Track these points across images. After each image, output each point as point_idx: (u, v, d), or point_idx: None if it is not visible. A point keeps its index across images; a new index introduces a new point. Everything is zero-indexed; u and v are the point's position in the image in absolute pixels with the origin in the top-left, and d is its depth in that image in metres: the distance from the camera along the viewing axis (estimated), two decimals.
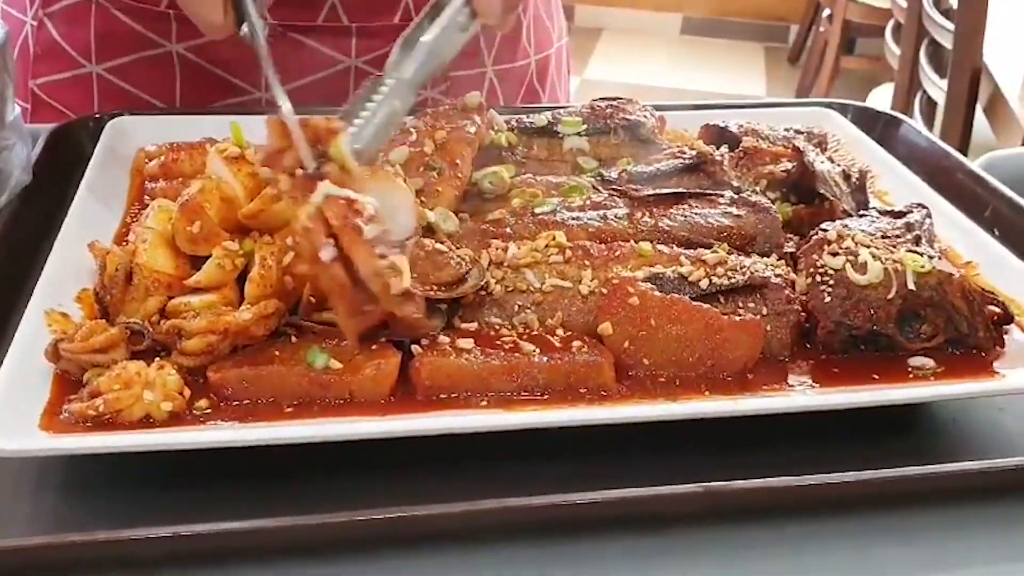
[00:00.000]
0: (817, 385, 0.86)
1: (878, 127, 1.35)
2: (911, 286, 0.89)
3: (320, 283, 0.81)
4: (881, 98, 3.60)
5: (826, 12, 5.57)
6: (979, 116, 2.76)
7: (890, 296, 0.88)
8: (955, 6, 2.71)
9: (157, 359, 0.80)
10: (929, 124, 2.98)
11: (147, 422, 0.76)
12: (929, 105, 3.04)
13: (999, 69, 2.67)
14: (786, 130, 1.20)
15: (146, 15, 1.34)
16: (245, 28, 0.96)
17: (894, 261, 0.90)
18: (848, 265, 0.89)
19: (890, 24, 3.72)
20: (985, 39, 2.68)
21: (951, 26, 2.76)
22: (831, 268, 0.90)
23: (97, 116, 1.23)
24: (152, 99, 1.38)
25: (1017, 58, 2.60)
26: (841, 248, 0.91)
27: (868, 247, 0.91)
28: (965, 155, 1.48)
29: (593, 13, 6.67)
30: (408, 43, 0.96)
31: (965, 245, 1.07)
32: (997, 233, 1.11)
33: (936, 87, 2.89)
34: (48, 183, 1.11)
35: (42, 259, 0.94)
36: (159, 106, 1.36)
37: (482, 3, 0.95)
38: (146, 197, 1.06)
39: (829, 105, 1.38)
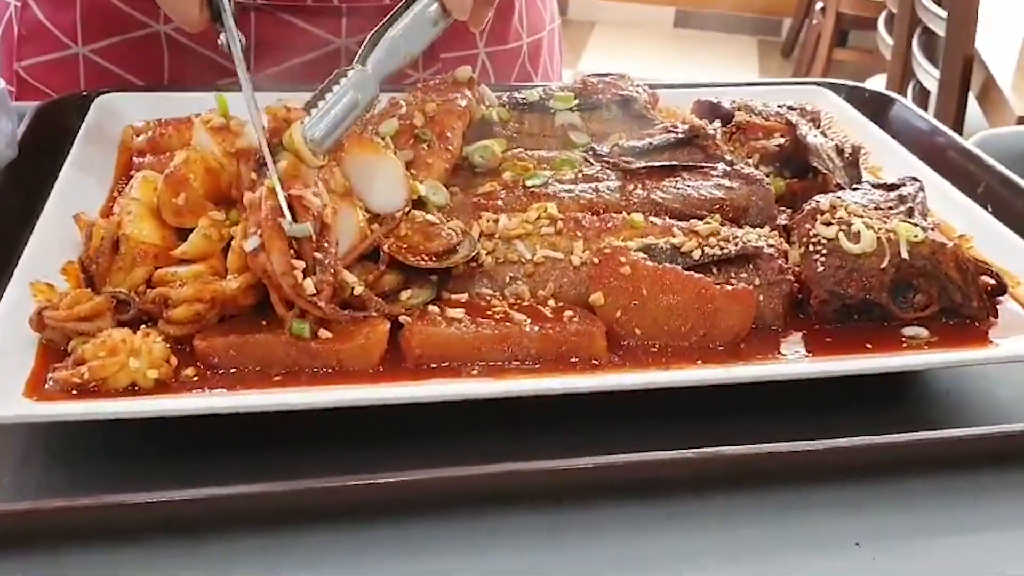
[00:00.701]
0: (810, 355, 0.86)
1: (871, 106, 1.35)
2: (904, 255, 0.88)
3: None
4: (875, 87, 3.59)
5: (819, 5, 5.58)
6: (971, 103, 2.76)
7: (883, 265, 0.88)
8: None
9: (143, 327, 0.79)
10: (923, 111, 2.97)
11: (133, 390, 0.75)
12: (922, 93, 3.04)
13: (991, 56, 2.67)
14: (779, 106, 1.19)
15: None
16: (223, 38, 0.95)
17: (887, 231, 0.89)
18: (841, 234, 0.89)
19: (883, 15, 3.72)
20: (977, 26, 2.68)
21: (944, 14, 2.75)
22: (824, 237, 0.89)
23: (84, 93, 1.22)
24: (139, 81, 1.37)
25: (1009, 45, 2.60)
26: (834, 218, 0.91)
27: (861, 217, 0.90)
28: None
29: (586, 6, 6.66)
30: (376, 37, 0.96)
31: (959, 219, 1.06)
32: (991, 209, 1.11)
33: (929, 75, 2.89)
34: (33, 159, 1.10)
35: (26, 233, 0.93)
36: (142, 86, 1.35)
37: (453, 1, 0.95)
38: (133, 172, 1.05)
39: (823, 84, 1.38)
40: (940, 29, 2.78)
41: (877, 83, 3.65)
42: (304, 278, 0.79)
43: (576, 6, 6.68)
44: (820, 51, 5.40)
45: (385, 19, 0.97)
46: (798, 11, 6.17)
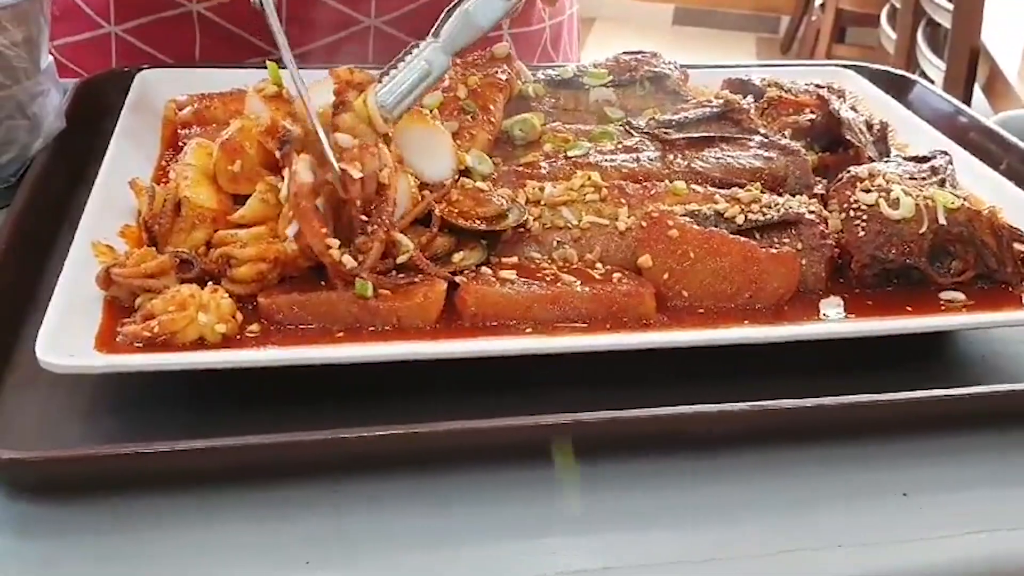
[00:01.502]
0: (852, 317, 0.88)
1: (893, 87, 1.37)
2: (942, 221, 0.90)
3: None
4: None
5: (818, 1, 5.61)
6: (976, 95, 2.80)
7: (922, 231, 0.90)
8: None
9: (209, 284, 0.81)
10: None
11: (200, 345, 0.77)
12: None
13: (997, 47, 2.70)
14: (807, 85, 1.21)
15: None
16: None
17: (925, 197, 0.92)
18: (881, 200, 0.91)
19: (885, 9, 3.75)
20: (983, 18, 2.71)
21: (949, 6, 2.78)
22: (864, 204, 0.91)
23: (125, 69, 1.24)
24: (170, 60, 1.39)
25: (1015, 35, 2.63)
26: (873, 185, 0.93)
27: (899, 184, 0.93)
28: None
29: (586, 2, 6.66)
30: (451, 10, 0.97)
31: (986, 191, 1.09)
32: (1013, 185, 1.13)
33: (934, 67, 2.92)
34: (79, 134, 1.12)
35: (78, 202, 0.95)
36: (180, 63, 1.37)
37: None
38: (182, 143, 1.07)
39: (844, 66, 1.40)
40: (946, 21, 2.82)
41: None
42: (343, 254, 0.81)
43: (577, 2, 6.69)
44: (819, 48, 5.43)
45: None
46: (796, 8, 6.20)
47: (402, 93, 0.92)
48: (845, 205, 0.92)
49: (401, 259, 0.84)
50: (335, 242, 0.80)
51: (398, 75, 0.93)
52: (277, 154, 0.85)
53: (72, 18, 1.40)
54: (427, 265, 0.84)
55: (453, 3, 0.97)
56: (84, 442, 0.75)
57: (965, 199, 0.97)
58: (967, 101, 2.74)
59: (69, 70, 1.41)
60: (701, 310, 0.87)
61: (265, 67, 1.29)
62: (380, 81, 0.93)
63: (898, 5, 3.37)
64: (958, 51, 2.70)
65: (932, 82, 2.94)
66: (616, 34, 6.57)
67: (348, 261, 0.80)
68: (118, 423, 0.76)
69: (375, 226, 0.83)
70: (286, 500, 0.72)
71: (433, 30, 0.96)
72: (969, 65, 2.69)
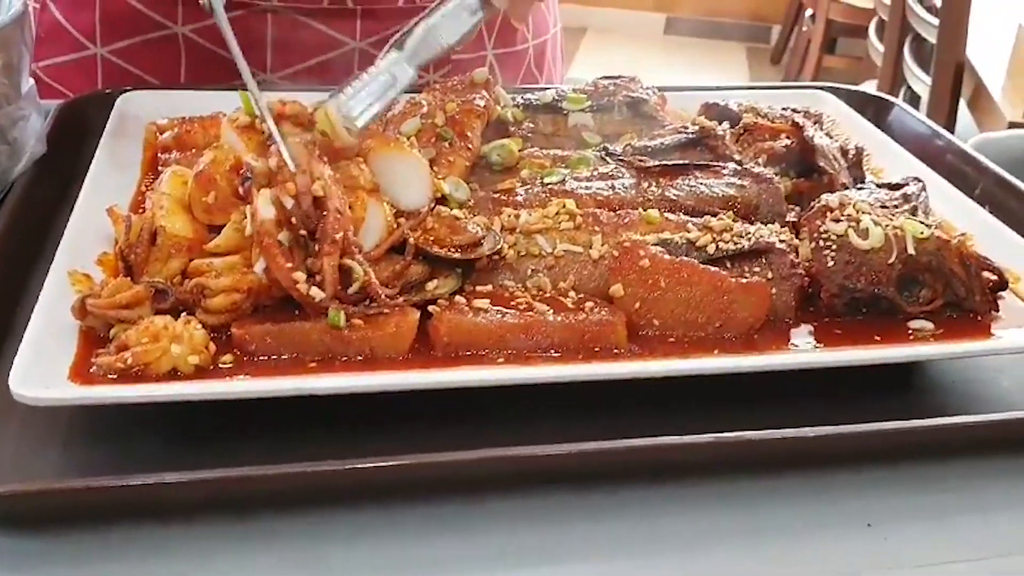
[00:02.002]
0: (821, 346, 0.89)
1: (871, 110, 1.38)
2: (911, 251, 0.92)
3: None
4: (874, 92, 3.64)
5: (808, 12, 5.63)
6: (962, 109, 2.81)
7: (891, 260, 0.91)
8: (938, 2, 2.76)
9: (183, 315, 0.81)
10: None
11: (173, 375, 0.78)
12: (912, 100, 3.09)
13: (982, 63, 2.72)
14: (783, 109, 1.23)
15: None
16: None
17: (894, 227, 0.93)
18: (851, 230, 0.92)
19: (873, 21, 3.78)
20: (968, 33, 2.73)
21: (935, 21, 2.80)
22: (834, 233, 0.93)
23: (107, 92, 1.25)
24: (156, 81, 1.39)
25: (999, 51, 2.64)
26: (843, 215, 0.94)
27: (869, 214, 0.94)
28: None
29: (577, 12, 6.71)
30: (416, 24, 0.98)
31: (959, 218, 1.10)
32: (988, 209, 1.14)
33: (920, 82, 2.94)
34: (60, 157, 1.12)
35: (57, 227, 0.96)
36: (163, 85, 1.38)
37: None
38: (161, 168, 1.08)
39: (823, 88, 1.41)
40: (931, 36, 2.84)
41: (868, 88, 3.70)
42: (310, 286, 0.82)
43: (567, 12, 6.67)
44: (809, 58, 5.45)
45: (429, 8, 0.99)
46: (787, 18, 6.23)
47: (366, 103, 0.93)
48: (815, 235, 0.94)
49: (352, 288, 0.84)
50: (302, 276, 0.81)
51: (361, 85, 0.94)
52: (240, 190, 0.85)
53: (58, 39, 1.41)
54: (378, 295, 0.84)
55: (420, 17, 0.98)
56: (60, 474, 0.76)
57: (936, 226, 0.98)
58: (952, 116, 2.76)
59: (55, 91, 1.42)
60: (672, 339, 0.88)
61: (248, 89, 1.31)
62: (343, 92, 0.93)
63: (885, 19, 3.39)
64: (943, 66, 2.71)
65: (919, 97, 2.97)
66: (608, 44, 6.59)
67: (316, 293, 0.81)
68: (94, 454, 0.77)
69: (322, 243, 0.84)
70: (263, 531, 0.73)
71: (395, 41, 0.97)
72: (954, 80, 2.70)
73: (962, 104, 2.80)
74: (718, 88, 1.39)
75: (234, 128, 0.93)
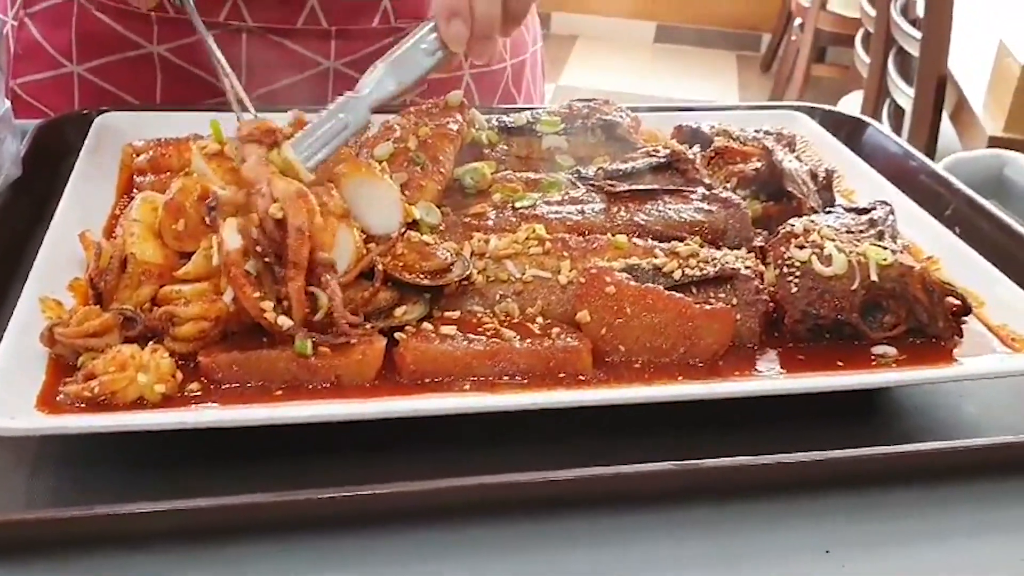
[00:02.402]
0: (784, 371, 0.90)
1: (845, 130, 1.40)
2: (874, 278, 0.93)
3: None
4: (851, 105, 3.67)
5: (798, 21, 5.65)
6: (945, 122, 2.83)
7: (854, 287, 0.92)
8: (922, 16, 2.78)
9: (150, 344, 0.82)
10: (897, 130, 3.05)
11: (140, 404, 0.79)
12: (897, 112, 3.10)
13: (964, 77, 2.74)
14: (756, 131, 1.24)
15: (127, 16, 1.37)
16: None
17: (858, 254, 0.94)
18: (814, 257, 0.93)
19: (859, 33, 3.79)
20: (950, 48, 2.75)
21: (918, 35, 2.82)
22: (798, 260, 0.94)
23: (84, 112, 1.26)
24: (132, 99, 1.41)
25: (980, 66, 2.66)
26: (807, 241, 0.95)
27: (833, 241, 0.95)
28: (932, 160, 1.54)
29: (569, 20, 6.73)
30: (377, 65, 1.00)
31: (927, 241, 1.11)
32: (958, 231, 1.16)
33: (904, 94, 2.96)
34: (36, 177, 1.13)
35: (32, 250, 0.97)
36: (139, 105, 1.39)
37: (446, 32, 0.99)
38: (135, 190, 1.09)
39: (798, 108, 1.43)
40: (914, 49, 2.85)
41: (855, 99, 3.72)
42: (278, 315, 0.83)
43: (558, 20, 6.75)
44: (799, 66, 5.47)
45: (390, 50, 1.01)
46: (777, 27, 6.25)
47: (316, 145, 0.94)
48: (779, 261, 0.95)
49: (318, 316, 0.85)
50: (269, 305, 0.82)
51: (315, 128, 0.96)
52: (206, 220, 0.86)
53: (35, 57, 1.42)
54: (341, 325, 0.85)
55: (380, 59, 0.99)
56: (27, 502, 0.77)
57: (901, 252, 0.99)
58: (935, 130, 2.77)
59: (33, 108, 1.43)
60: (638, 364, 0.89)
61: (223, 109, 1.32)
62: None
63: (871, 30, 3.41)
64: (926, 80, 2.73)
65: (903, 110, 2.98)
66: (598, 51, 6.62)
67: (284, 322, 0.82)
68: (61, 482, 0.78)
69: (285, 267, 0.85)
70: (230, 559, 0.74)
71: (359, 83, 0.98)
72: (936, 94, 2.72)
73: (945, 118, 2.82)
74: (694, 108, 1.40)
75: (203, 156, 0.94)
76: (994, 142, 2.39)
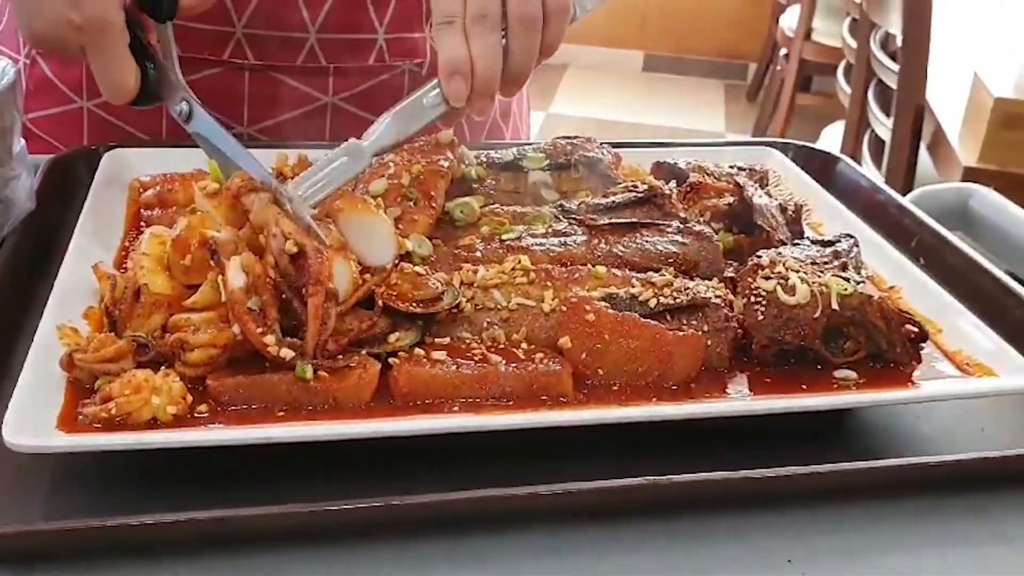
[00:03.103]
0: (752, 393, 0.97)
1: (817, 165, 1.47)
2: (835, 306, 0.99)
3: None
4: (833, 135, 3.75)
5: (783, 52, 5.76)
6: (924, 153, 2.91)
7: (816, 315, 0.99)
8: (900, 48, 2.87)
9: (162, 368, 0.89)
10: (877, 161, 3.13)
11: (153, 424, 0.85)
12: (877, 143, 3.19)
13: (941, 109, 2.82)
14: (731, 167, 1.31)
15: None
16: (183, 106, 1.12)
17: (820, 284, 1.01)
18: (779, 288, 1.00)
19: (841, 65, 3.88)
20: (928, 80, 2.83)
21: (896, 67, 2.91)
22: (764, 290, 1.00)
23: (93, 148, 1.32)
24: (139, 133, 1.47)
25: (957, 98, 2.74)
26: (773, 273, 1.02)
27: (797, 272, 1.02)
28: (910, 190, 1.61)
29: (559, 49, 6.81)
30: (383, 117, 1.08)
31: (890, 271, 1.18)
32: (923, 261, 1.23)
33: (883, 126, 3.04)
34: (48, 210, 1.19)
35: (47, 280, 1.03)
36: (146, 139, 1.45)
37: (447, 88, 1.06)
38: (143, 224, 1.15)
39: (772, 144, 1.50)
40: (893, 82, 2.94)
41: (837, 129, 3.81)
42: (281, 348, 0.89)
43: None
44: (784, 95, 5.58)
45: (397, 103, 1.08)
46: (763, 57, 6.36)
47: (319, 185, 1.02)
48: (747, 291, 1.01)
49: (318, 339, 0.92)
50: (272, 339, 0.89)
51: (318, 168, 1.03)
52: (211, 263, 0.93)
53: (46, 93, 1.49)
54: (328, 351, 0.91)
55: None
56: (46, 516, 0.83)
57: (863, 282, 1.06)
58: (913, 159, 2.85)
59: (42, 142, 1.49)
60: (616, 387, 0.96)
61: None
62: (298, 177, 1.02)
63: (852, 62, 3.50)
64: (903, 112, 2.82)
65: (883, 141, 3.06)
66: (588, 80, 6.71)
67: (286, 354, 0.88)
68: (79, 497, 0.84)
69: (308, 285, 0.91)
70: (235, 568, 0.79)
71: (366, 131, 1.06)
72: (914, 125, 2.80)
73: (923, 150, 2.90)
74: (673, 144, 1.47)
75: (204, 195, 1.01)
76: (969, 173, 2.47)
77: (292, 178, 1.01)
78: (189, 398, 0.87)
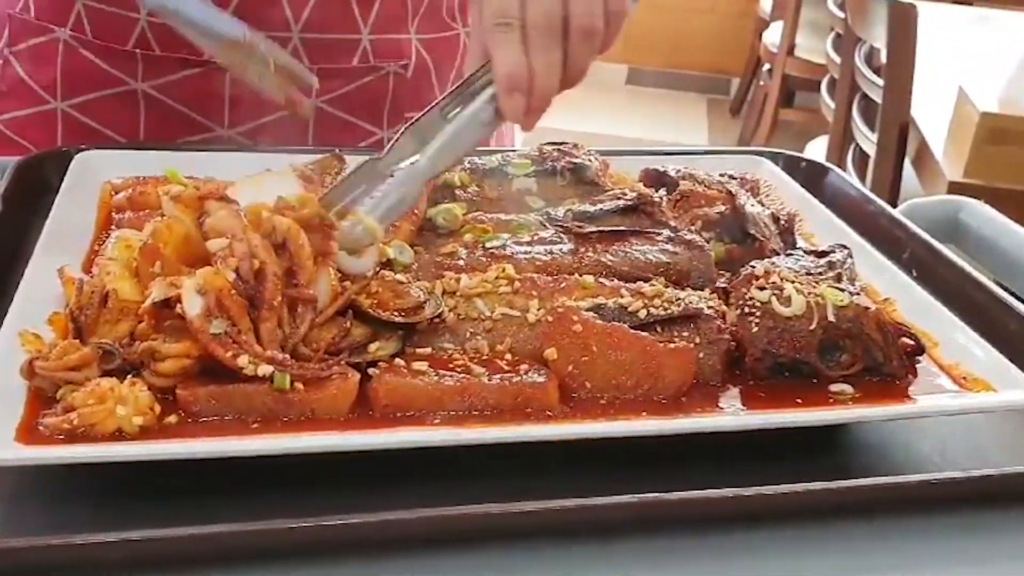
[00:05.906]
0: (745, 408, 0.93)
1: (806, 174, 1.44)
2: (831, 318, 0.96)
3: None
4: (817, 150, 3.74)
5: (766, 67, 5.77)
6: (909, 168, 2.90)
7: (812, 327, 0.96)
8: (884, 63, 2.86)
9: (129, 377, 0.84)
10: (862, 175, 3.12)
11: (118, 436, 0.80)
12: (862, 157, 3.18)
13: (925, 123, 2.81)
14: (721, 176, 1.28)
15: (112, 54, 1.39)
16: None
17: (816, 295, 0.98)
18: (774, 298, 0.97)
19: (825, 79, 3.88)
20: (913, 94, 2.82)
21: (881, 82, 2.90)
22: (758, 301, 0.97)
23: (63, 149, 1.28)
24: (116, 135, 1.43)
25: (941, 112, 2.74)
26: (768, 283, 0.99)
27: (792, 282, 0.99)
28: (895, 205, 1.59)
29: None
30: (419, 131, 1.02)
31: (884, 283, 1.15)
32: (915, 274, 1.20)
33: (868, 140, 3.03)
34: (15, 214, 1.15)
35: (11, 285, 0.99)
36: (123, 142, 1.41)
37: (505, 104, 1.00)
38: (113, 227, 1.11)
39: (761, 153, 1.47)
40: (878, 96, 2.93)
41: (821, 144, 3.80)
42: (256, 366, 0.85)
43: None
44: (767, 111, 5.58)
45: (427, 110, 1.02)
46: (746, 72, 6.37)
47: (384, 215, 1.00)
48: (741, 302, 0.98)
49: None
50: (244, 360, 0.85)
51: (375, 203, 1.00)
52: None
53: (19, 94, 1.45)
54: (306, 360, 0.88)
55: (415, 122, 1.02)
56: (8, 531, 0.78)
57: (858, 293, 1.03)
58: (898, 173, 2.84)
59: (16, 144, 1.45)
60: (603, 400, 0.92)
61: (204, 148, 1.36)
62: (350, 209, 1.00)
63: (836, 76, 3.49)
64: (888, 126, 2.80)
65: (868, 155, 3.05)
66: (571, 93, 6.67)
67: (264, 371, 0.85)
68: (39, 512, 0.80)
69: (259, 309, 0.88)
70: None
71: (397, 149, 1.01)
72: (899, 140, 2.79)
73: (908, 164, 2.89)
74: (661, 152, 1.44)
75: (170, 199, 0.97)
76: (954, 187, 2.46)
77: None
78: (157, 408, 0.83)
